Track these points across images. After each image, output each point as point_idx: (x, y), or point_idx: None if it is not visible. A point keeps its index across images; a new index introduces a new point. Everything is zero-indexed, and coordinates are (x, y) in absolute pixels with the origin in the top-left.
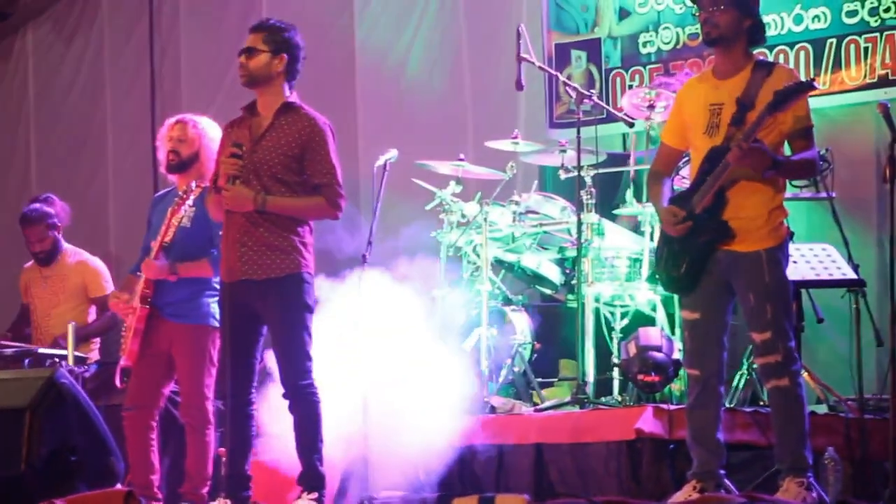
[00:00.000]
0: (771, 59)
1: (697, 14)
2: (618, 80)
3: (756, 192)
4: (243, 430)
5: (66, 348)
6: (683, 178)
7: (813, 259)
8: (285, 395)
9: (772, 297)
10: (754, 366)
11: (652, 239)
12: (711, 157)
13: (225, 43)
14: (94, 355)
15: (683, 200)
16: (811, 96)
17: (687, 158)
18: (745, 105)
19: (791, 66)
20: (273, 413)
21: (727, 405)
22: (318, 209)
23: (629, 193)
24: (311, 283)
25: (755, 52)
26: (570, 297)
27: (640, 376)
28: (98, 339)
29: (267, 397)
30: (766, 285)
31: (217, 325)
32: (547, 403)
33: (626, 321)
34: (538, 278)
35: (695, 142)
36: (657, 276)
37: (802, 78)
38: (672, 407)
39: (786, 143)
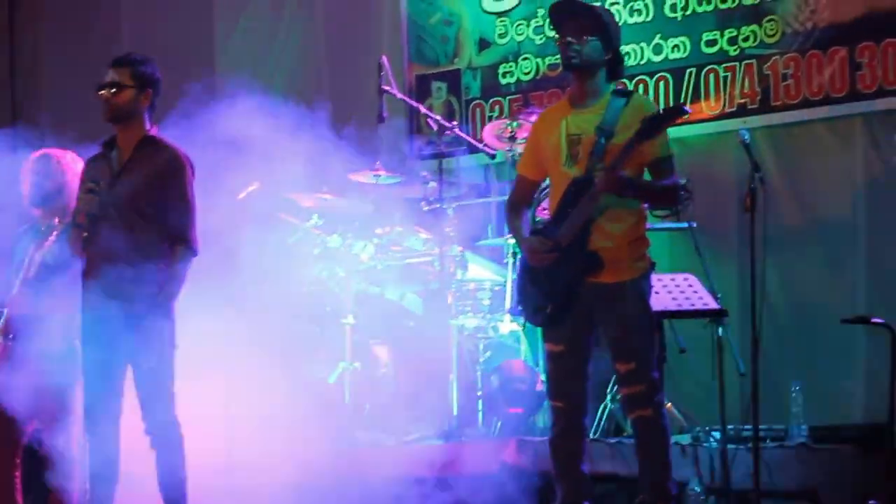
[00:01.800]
0: (631, 88)
1: (559, 40)
2: (478, 111)
3: (619, 222)
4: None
5: None
6: (544, 209)
7: (675, 289)
8: (147, 431)
9: (635, 327)
10: (618, 396)
11: (514, 270)
12: (574, 188)
13: (86, 76)
14: None
15: (546, 232)
16: (672, 126)
17: (546, 189)
18: (605, 134)
19: (651, 95)
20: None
21: (592, 436)
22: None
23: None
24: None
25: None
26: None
27: (505, 408)
28: None
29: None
30: (629, 316)
31: None
32: (412, 436)
33: (489, 353)
34: (401, 310)
35: (554, 173)
36: (520, 309)
37: (662, 106)
38: (537, 439)
39: (646, 172)
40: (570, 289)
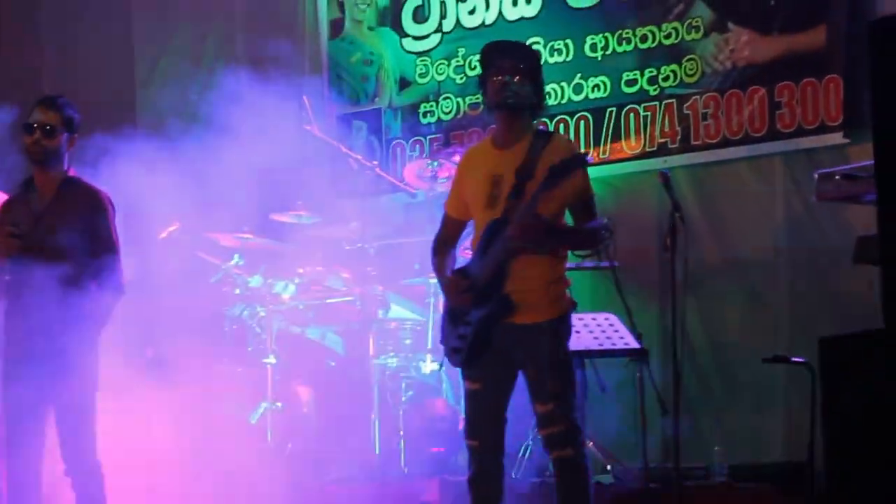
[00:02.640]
0: (552, 128)
1: (494, 79)
2: (399, 150)
3: (537, 264)
4: None
5: None
6: (466, 249)
7: (596, 329)
8: (67, 472)
9: (554, 368)
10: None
11: (435, 311)
12: (491, 229)
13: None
14: None
15: (466, 272)
16: (591, 166)
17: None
18: (524, 176)
19: (571, 135)
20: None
21: (514, 475)
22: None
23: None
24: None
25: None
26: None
27: (427, 447)
28: None
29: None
30: (547, 357)
31: None
32: (335, 476)
33: (411, 392)
34: (323, 350)
35: (475, 213)
36: (442, 348)
37: (581, 149)
38: (459, 478)
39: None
40: (486, 328)
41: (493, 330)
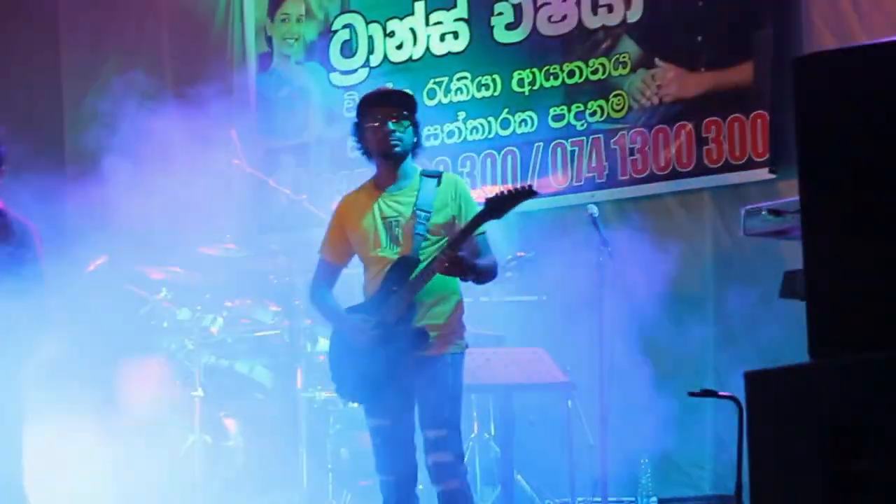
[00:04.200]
0: (479, 163)
1: (375, 126)
2: (326, 184)
3: (443, 299)
4: None
5: None
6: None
7: (523, 362)
8: None
9: (451, 397)
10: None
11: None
12: (398, 267)
13: None
14: None
15: (367, 309)
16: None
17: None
18: (426, 214)
19: (499, 170)
20: None
21: None
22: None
23: None
24: None
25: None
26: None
27: (355, 481)
28: None
29: None
30: (446, 386)
31: None
32: None
33: (339, 426)
34: (251, 383)
35: (370, 255)
36: (336, 385)
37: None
38: None
39: None
40: (394, 364)
41: (400, 364)
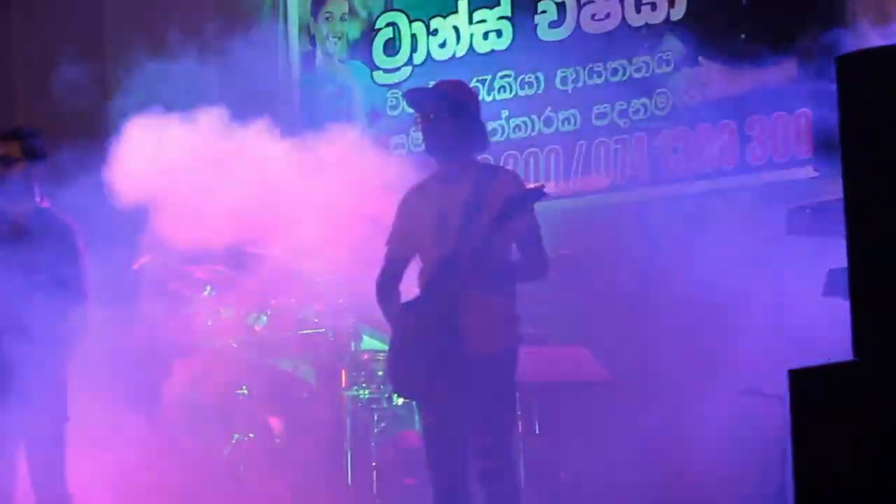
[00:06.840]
0: (521, 162)
1: (424, 120)
2: None
3: (488, 298)
4: None
5: None
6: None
7: (566, 361)
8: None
9: (499, 400)
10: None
11: None
12: (444, 264)
13: None
14: None
15: (421, 304)
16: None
17: None
18: (473, 211)
19: (542, 168)
20: None
21: None
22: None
23: None
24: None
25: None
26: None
27: (400, 479)
28: None
29: None
30: (492, 388)
31: None
32: None
33: (383, 424)
34: (295, 382)
35: (424, 250)
36: (391, 381)
37: (533, 184)
38: None
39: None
40: (442, 361)
41: (448, 361)
